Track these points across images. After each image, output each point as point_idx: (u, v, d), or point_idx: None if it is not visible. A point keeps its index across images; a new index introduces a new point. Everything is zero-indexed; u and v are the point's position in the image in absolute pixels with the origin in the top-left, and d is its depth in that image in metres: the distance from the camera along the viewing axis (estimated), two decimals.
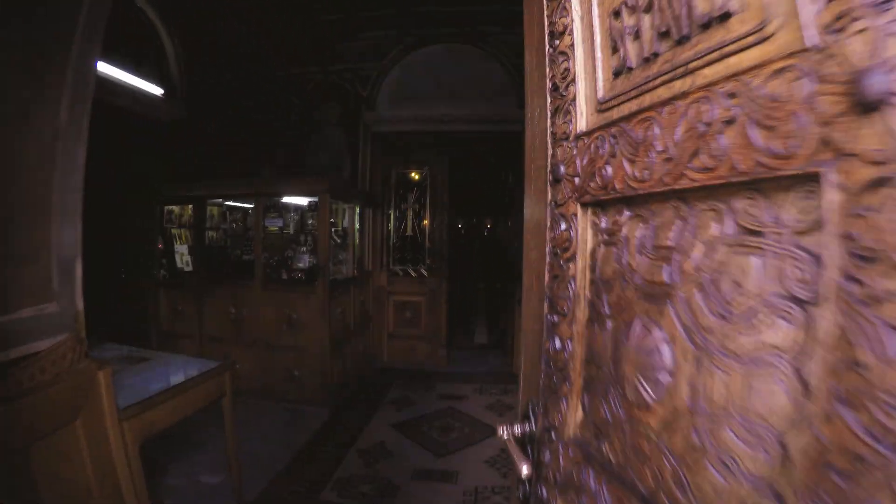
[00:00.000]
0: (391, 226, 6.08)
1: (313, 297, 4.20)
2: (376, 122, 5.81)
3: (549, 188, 0.85)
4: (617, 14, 0.65)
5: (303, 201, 5.14)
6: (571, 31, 0.76)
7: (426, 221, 6.00)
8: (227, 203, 5.44)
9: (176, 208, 5.28)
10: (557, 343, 0.81)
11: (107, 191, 3.98)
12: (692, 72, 0.51)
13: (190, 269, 5.02)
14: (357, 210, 5.35)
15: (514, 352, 5.58)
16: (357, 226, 5.46)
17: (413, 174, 6.09)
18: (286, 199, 5.08)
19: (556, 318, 0.82)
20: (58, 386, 1.54)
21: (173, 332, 4.84)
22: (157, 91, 5.07)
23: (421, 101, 5.80)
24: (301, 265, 4.44)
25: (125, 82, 4.47)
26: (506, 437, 0.92)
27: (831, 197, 0.36)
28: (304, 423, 3.96)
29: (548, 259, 0.85)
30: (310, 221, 5.00)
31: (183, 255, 5.13)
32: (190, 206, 5.13)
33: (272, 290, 4.35)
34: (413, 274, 6.02)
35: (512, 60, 5.69)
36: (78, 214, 1.69)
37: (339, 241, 5.10)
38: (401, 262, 6.09)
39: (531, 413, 0.92)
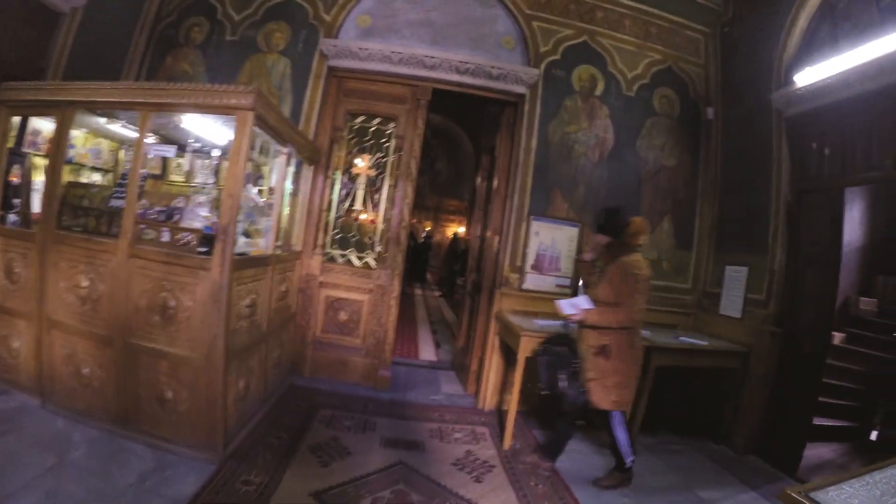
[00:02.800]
0: (335, 194, 4.54)
1: (205, 276, 2.60)
2: (337, 54, 4.30)
3: None
4: None
5: (220, 141, 3.51)
6: None
7: (383, 196, 4.53)
8: (110, 126, 3.63)
9: (45, 125, 3.42)
10: None
11: None
12: None
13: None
14: (293, 164, 3.79)
15: (481, 376, 4.26)
16: (289, 186, 3.89)
17: (374, 130, 4.61)
18: (197, 132, 3.42)
19: None
20: None
21: (4, 308, 3.01)
22: None
23: (400, 35, 4.37)
24: (196, 224, 2.82)
25: None
26: None
27: None
28: (169, 484, 2.35)
29: None
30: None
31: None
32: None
33: (145, 257, 2.70)
34: (357, 263, 4.52)
35: (520, 7, 4.45)
36: None
37: (260, 202, 3.51)
38: (342, 244, 4.57)
39: None
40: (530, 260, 4.17)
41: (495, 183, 4.63)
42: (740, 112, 4.55)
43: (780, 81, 4.07)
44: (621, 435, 2.99)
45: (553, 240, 4.20)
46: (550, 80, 4.43)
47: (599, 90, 4.57)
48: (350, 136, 4.62)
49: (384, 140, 4.59)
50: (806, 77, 3.80)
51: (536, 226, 4.18)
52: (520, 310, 4.12)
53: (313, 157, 4.21)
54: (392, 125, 4.55)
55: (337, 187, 4.56)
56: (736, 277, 4.28)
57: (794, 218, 3.89)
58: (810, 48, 3.93)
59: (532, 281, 4.18)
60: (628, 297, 2.84)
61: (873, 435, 4.58)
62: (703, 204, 4.79)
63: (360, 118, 4.61)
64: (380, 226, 4.52)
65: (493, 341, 4.13)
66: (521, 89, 4.37)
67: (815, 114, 3.79)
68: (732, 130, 4.65)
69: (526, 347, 3.34)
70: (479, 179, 5.45)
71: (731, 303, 4.25)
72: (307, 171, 4.28)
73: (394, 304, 4.43)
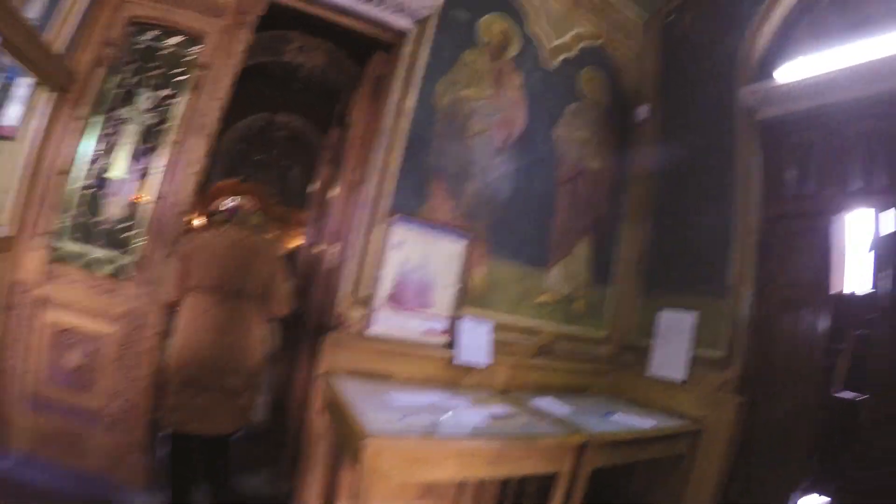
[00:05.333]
0: (86, 149, 2.65)
1: None
2: None
3: None
4: None
5: None
6: None
7: (160, 160, 2.70)
8: None
9: None
10: None
11: None
12: None
13: None
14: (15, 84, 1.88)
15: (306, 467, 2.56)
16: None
17: (169, 53, 2.78)
18: None
19: None
20: None
21: None
22: None
23: None
24: None
25: None
26: None
27: None
28: None
29: None
30: None
31: None
32: None
33: None
34: (106, 269, 2.65)
35: None
36: None
37: None
38: (85, 235, 2.67)
39: None
40: (385, 287, 2.57)
41: (343, 168, 2.97)
42: (689, 113, 3.47)
43: (752, 76, 3.03)
44: None
45: (425, 257, 2.65)
46: (448, 21, 2.93)
47: (513, 52, 3.19)
48: (130, 60, 2.75)
49: (179, 71, 2.77)
50: (789, 72, 2.80)
51: (401, 232, 2.60)
52: (364, 370, 2.51)
53: (58, 81, 2.35)
54: (196, 49, 2.75)
55: (92, 139, 2.66)
56: (676, 326, 3.08)
57: (768, 250, 2.78)
58: (789, 41, 2.95)
59: (386, 322, 2.58)
60: None
61: None
62: (630, 225, 3.61)
63: (151, 33, 2.77)
64: (151, 211, 2.67)
65: (319, 433, 2.42)
66: (403, 23, 2.82)
67: (798, 119, 2.78)
68: (676, 134, 3.54)
69: (376, 462, 1.67)
70: (320, 167, 3.66)
71: (669, 360, 3.04)
72: (43, 103, 2.48)
73: (155, 344, 2.59)
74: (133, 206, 2.70)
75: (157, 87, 2.74)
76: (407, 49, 2.80)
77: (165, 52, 2.82)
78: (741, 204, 2.90)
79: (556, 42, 3.40)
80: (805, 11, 2.93)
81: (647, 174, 3.68)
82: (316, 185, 3.26)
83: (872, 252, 2.61)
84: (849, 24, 2.71)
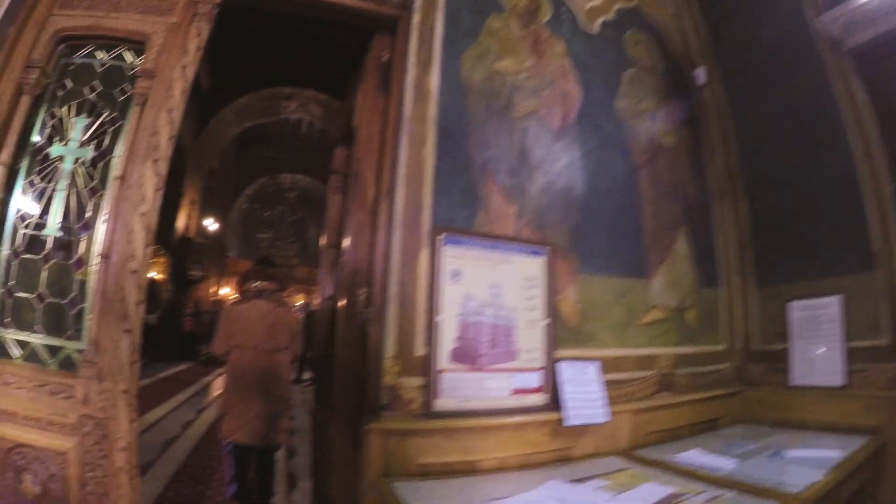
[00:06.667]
0: (14, 202, 2.01)
1: None
2: None
3: None
4: None
5: None
6: None
7: (106, 202, 1.96)
8: None
9: None
10: None
11: None
12: None
13: None
14: None
15: None
16: None
17: (106, 69, 2.12)
18: None
19: None
20: None
21: None
22: None
23: None
24: None
25: None
26: None
27: None
28: None
29: None
30: None
31: None
32: None
33: None
34: (50, 362, 1.91)
35: None
36: None
37: None
38: (19, 317, 1.96)
39: None
40: (448, 339, 1.75)
41: (358, 189, 2.19)
42: (755, 65, 2.97)
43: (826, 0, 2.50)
44: None
45: (494, 288, 1.84)
46: None
47: (545, 16, 2.50)
48: (58, 84, 2.09)
49: (121, 86, 2.08)
50: None
51: (454, 258, 1.80)
52: (435, 464, 1.69)
53: None
54: (139, 59, 2.06)
55: (19, 186, 1.98)
56: (817, 318, 2.40)
57: None
58: None
59: (457, 390, 1.75)
60: None
61: None
62: (722, 207, 2.84)
63: (85, 49, 2.12)
64: (92, 271, 1.93)
65: None
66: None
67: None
68: (747, 92, 2.97)
69: None
70: (330, 199, 2.85)
71: (817, 363, 2.43)
72: None
73: (125, 462, 1.80)
74: (74, 270, 1.96)
75: (95, 113, 2.05)
76: (415, 18, 2.10)
77: (103, 67, 2.14)
78: (860, 149, 2.36)
79: (590, 4, 2.73)
80: None
81: (724, 143, 2.98)
82: (326, 232, 2.49)
83: None
84: None
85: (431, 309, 1.71)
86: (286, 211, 16.50)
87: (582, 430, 1.98)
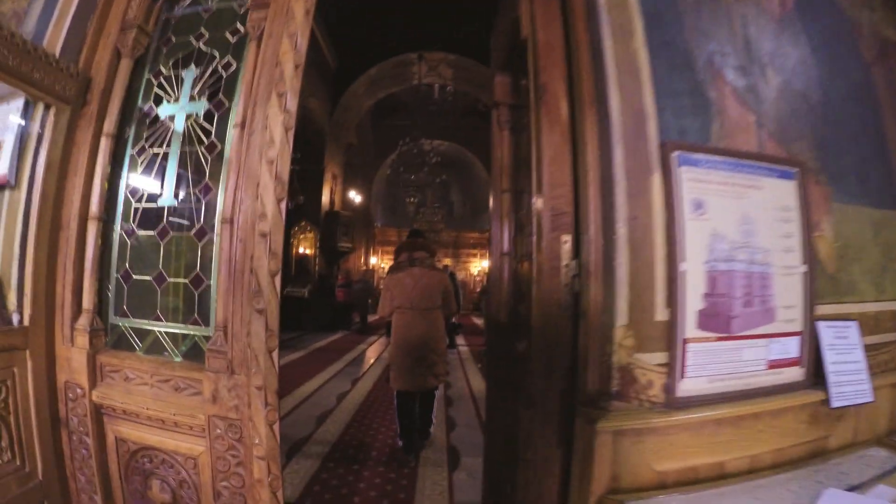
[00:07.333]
0: (122, 177, 1.70)
1: None
2: None
3: None
4: None
5: None
6: None
7: (228, 164, 1.58)
8: None
9: None
10: None
11: None
12: None
13: None
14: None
15: None
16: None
17: (212, 15, 1.79)
18: None
19: None
20: None
21: None
22: None
23: None
24: None
25: None
26: None
27: None
28: None
29: None
30: None
31: None
32: None
33: None
34: (174, 353, 1.59)
35: None
36: None
37: None
38: (139, 304, 1.65)
39: None
40: (695, 297, 1.26)
41: (545, 101, 1.65)
42: None
43: None
44: None
45: (745, 222, 1.33)
46: None
47: None
48: (161, 40, 1.81)
49: (228, 34, 1.70)
50: None
51: (694, 182, 1.29)
52: (678, 471, 1.23)
53: (69, 92, 1.53)
54: None
55: (126, 158, 1.76)
56: None
57: None
58: None
59: (706, 366, 1.26)
60: None
61: None
62: None
63: None
64: (216, 241, 1.57)
65: None
66: None
67: None
68: None
69: None
70: (496, 136, 2.20)
71: None
72: (51, 127, 1.62)
73: (264, 473, 1.45)
74: (196, 242, 1.62)
75: (205, 63, 1.70)
76: None
77: (208, 14, 1.79)
78: None
79: None
80: None
81: None
82: (494, 177, 1.97)
83: None
84: None
85: (673, 255, 1.22)
86: (429, 175, 16.49)
87: (839, 413, 1.47)
